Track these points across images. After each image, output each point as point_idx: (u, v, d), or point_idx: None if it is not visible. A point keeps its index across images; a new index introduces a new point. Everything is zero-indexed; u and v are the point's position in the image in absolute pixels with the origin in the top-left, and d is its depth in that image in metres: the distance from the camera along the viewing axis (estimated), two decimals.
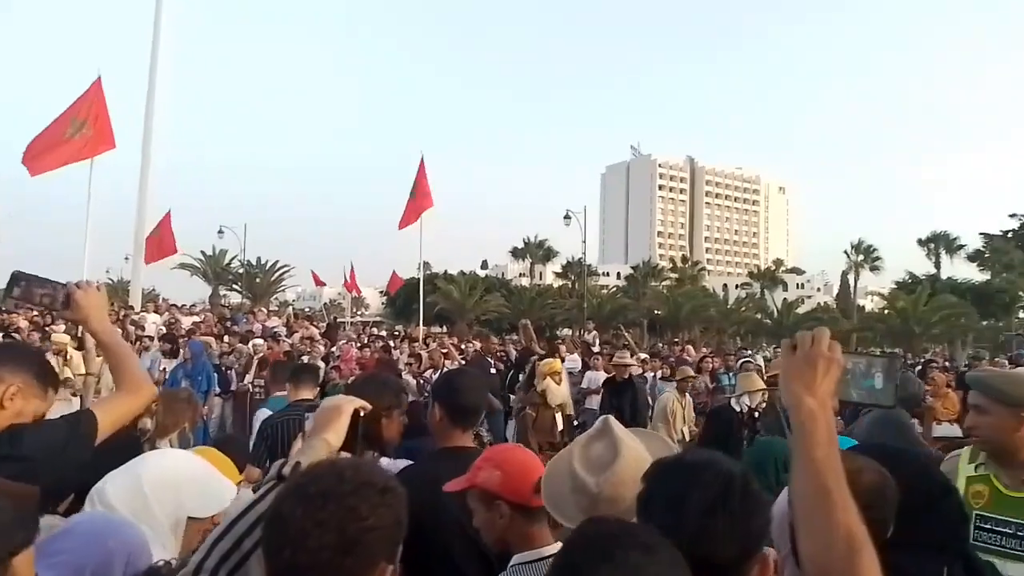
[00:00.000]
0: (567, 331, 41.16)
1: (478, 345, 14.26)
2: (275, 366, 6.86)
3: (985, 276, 51.91)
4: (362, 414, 1.67)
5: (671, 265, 77.59)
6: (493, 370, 10.83)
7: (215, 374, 10.42)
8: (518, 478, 1.93)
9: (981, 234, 57.18)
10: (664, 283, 66.65)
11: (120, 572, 1.50)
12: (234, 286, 49.37)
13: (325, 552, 1.10)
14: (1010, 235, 55.96)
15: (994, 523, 2.36)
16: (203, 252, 49.52)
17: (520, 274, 74.27)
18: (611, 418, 1.99)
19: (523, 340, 11.15)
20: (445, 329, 38.77)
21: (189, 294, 44.06)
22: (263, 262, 53.62)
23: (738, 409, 6.69)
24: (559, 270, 67.83)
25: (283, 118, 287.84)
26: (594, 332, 17.55)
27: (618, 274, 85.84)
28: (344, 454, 1.60)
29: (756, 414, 6.53)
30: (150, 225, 18.65)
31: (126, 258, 26.75)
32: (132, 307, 16.95)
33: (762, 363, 12.66)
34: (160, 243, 18.59)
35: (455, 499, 2.07)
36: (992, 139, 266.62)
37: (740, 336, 56.02)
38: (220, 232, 39.39)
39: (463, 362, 11.67)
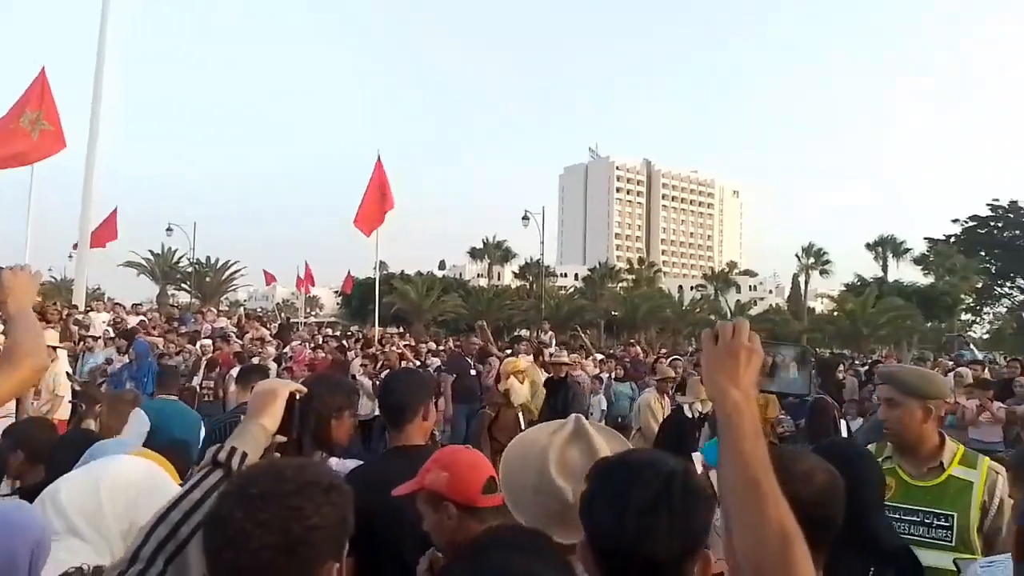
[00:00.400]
0: (525, 332, 41.25)
1: (451, 344, 14.05)
2: (163, 371, 6.79)
3: (929, 279, 53.68)
4: (298, 397, 1.63)
5: (628, 267, 78.40)
6: (474, 371, 10.18)
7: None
8: (465, 479, 1.91)
9: (926, 239, 59.34)
10: (621, 284, 67.28)
11: (25, 569, 1.45)
12: (183, 285, 48.21)
13: (267, 552, 1.09)
14: (953, 240, 58.15)
15: (902, 512, 2.48)
16: (151, 251, 48.30)
17: (478, 275, 74.19)
18: (582, 418, 1.99)
19: (480, 341, 11.13)
20: (401, 330, 38.51)
21: (136, 294, 42.74)
22: (213, 261, 52.46)
23: (690, 415, 6.80)
24: (517, 271, 67.95)
25: (236, 117, 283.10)
26: (550, 333, 17.54)
27: (576, 275, 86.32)
28: (280, 438, 1.57)
29: (707, 417, 6.65)
30: (95, 223, 18.38)
31: (70, 256, 25.88)
32: (76, 306, 16.39)
33: None
34: (103, 234, 18.79)
35: (407, 498, 2.04)
36: (939, 147, 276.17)
37: (695, 337, 56.91)
38: (169, 230, 38.48)
39: (418, 364, 11.58)
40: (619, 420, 10.32)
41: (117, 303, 19.63)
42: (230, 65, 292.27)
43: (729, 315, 55.87)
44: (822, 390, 8.54)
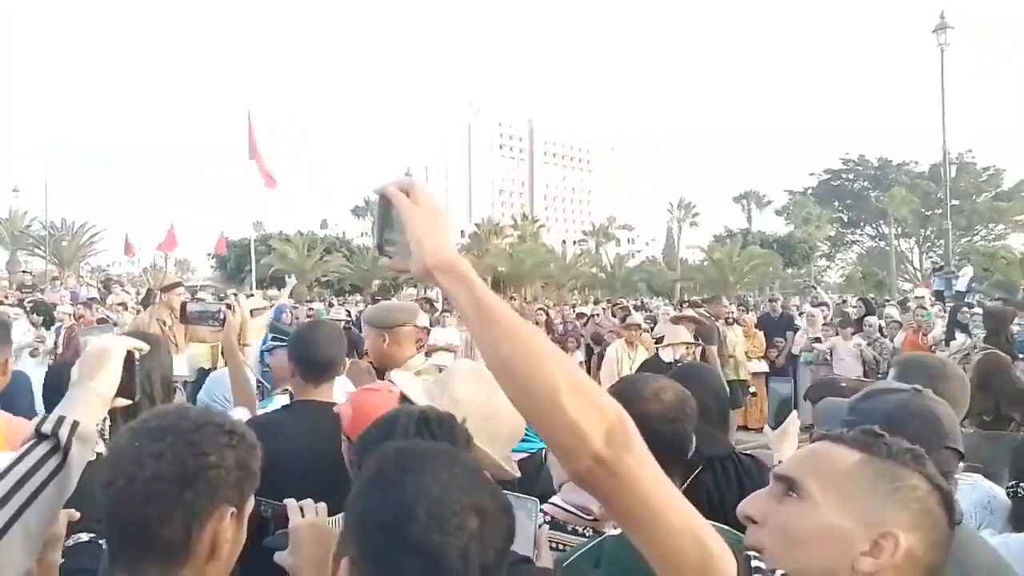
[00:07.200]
0: (412, 291, 41.00)
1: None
2: None
3: (790, 229, 57.50)
4: (138, 356, 1.49)
5: (513, 223, 78.97)
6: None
7: None
8: (362, 420, 1.93)
9: (786, 191, 63.39)
10: (506, 240, 67.84)
11: None
12: (36, 251, 44.37)
13: (159, 483, 1.10)
14: (809, 192, 62.46)
15: None
16: None
17: (362, 233, 72.55)
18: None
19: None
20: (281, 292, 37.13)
21: None
22: (69, 224, 48.47)
23: (667, 360, 6.86)
24: None
25: (89, 63, 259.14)
26: (437, 289, 17.51)
27: (462, 232, 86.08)
28: (122, 401, 1.44)
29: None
30: None
31: None
32: None
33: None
34: None
35: (307, 450, 2.08)
36: (798, 104, 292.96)
37: (577, 290, 58.50)
38: (15, 190, 35.17)
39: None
40: None
41: None
42: (89, 12, 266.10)
43: (610, 267, 57.83)
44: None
